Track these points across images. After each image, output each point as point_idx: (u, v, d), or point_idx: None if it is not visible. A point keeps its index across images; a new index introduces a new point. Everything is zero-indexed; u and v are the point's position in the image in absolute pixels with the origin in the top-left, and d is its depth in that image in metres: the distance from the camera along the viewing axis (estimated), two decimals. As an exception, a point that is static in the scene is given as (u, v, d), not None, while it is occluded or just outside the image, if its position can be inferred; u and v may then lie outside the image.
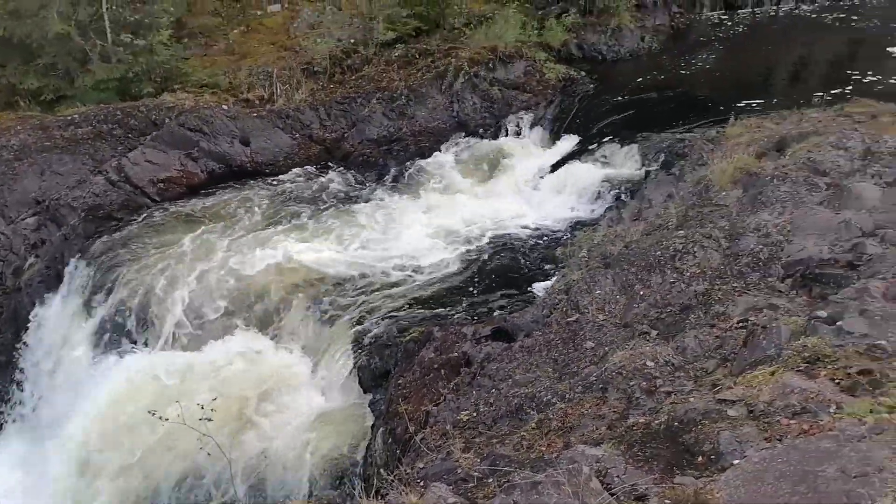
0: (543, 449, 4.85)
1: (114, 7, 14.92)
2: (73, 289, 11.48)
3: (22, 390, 11.26)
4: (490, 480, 4.37)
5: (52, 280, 11.89)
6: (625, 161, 12.62)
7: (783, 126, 10.80)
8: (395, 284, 10.47)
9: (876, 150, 8.69)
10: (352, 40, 17.40)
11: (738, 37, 20.64)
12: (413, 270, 10.85)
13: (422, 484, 4.56)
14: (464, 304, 9.71)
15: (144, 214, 12.79)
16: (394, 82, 16.11)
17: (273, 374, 9.47)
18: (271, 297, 10.44)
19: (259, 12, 19.51)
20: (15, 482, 10.05)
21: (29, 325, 11.57)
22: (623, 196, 11.65)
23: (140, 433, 8.92)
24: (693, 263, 7.32)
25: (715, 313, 6.26)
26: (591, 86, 16.72)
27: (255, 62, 17.00)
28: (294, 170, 14.54)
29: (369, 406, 8.61)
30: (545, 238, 11.60)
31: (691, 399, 4.72)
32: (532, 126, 15.46)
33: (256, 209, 12.81)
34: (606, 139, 13.45)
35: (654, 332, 6.39)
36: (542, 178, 13.44)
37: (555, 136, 14.79)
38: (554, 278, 9.58)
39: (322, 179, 14.17)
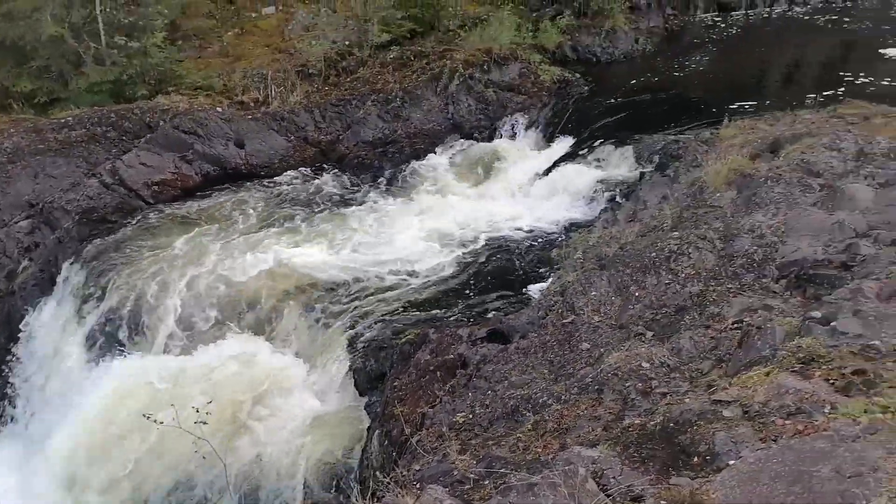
0: (539, 450, 4.85)
1: (107, 9, 14.88)
2: (66, 292, 11.42)
3: (14, 399, 11.19)
4: (486, 482, 4.37)
5: (46, 283, 11.84)
6: (619, 163, 12.64)
7: (777, 127, 10.84)
8: (390, 288, 10.45)
9: (869, 151, 8.73)
10: (346, 42, 17.41)
11: (731, 38, 20.73)
12: (408, 273, 10.82)
13: (418, 486, 4.56)
14: (459, 307, 9.70)
15: (139, 217, 12.74)
16: (389, 84, 16.11)
17: (267, 378, 9.40)
18: (265, 301, 10.39)
19: (253, 14, 19.48)
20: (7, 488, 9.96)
21: (22, 330, 11.51)
22: (618, 198, 11.66)
23: (131, 442, 8.83)
24: (688, 265, 7.34)
25: (710, 314, 6.28)
26: (586, 88, 16.76)
27: (250, 64, 16.97)
28: (289, 172, 14.53)
29: (365, 408, 8.59)
30: (540, 240, 11.61)
31: (687, 400, 4.72)
32: (527, 128, 15.48)
33: (251, 212, 12.78)
34: (601, 141, 13.48)
35: (649, 334, 6.40)
36: (537, 180, 13.45)
37: (550, 138, 14.81)
38: (549, 280, 9.59)
39: (317, 182, 14.15)
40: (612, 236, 9.50)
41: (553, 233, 11.79)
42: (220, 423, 8.64)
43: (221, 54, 17.62)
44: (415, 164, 14.77)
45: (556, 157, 13.89)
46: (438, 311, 9.63)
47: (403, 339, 8.56)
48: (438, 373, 7.36)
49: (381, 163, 14.96)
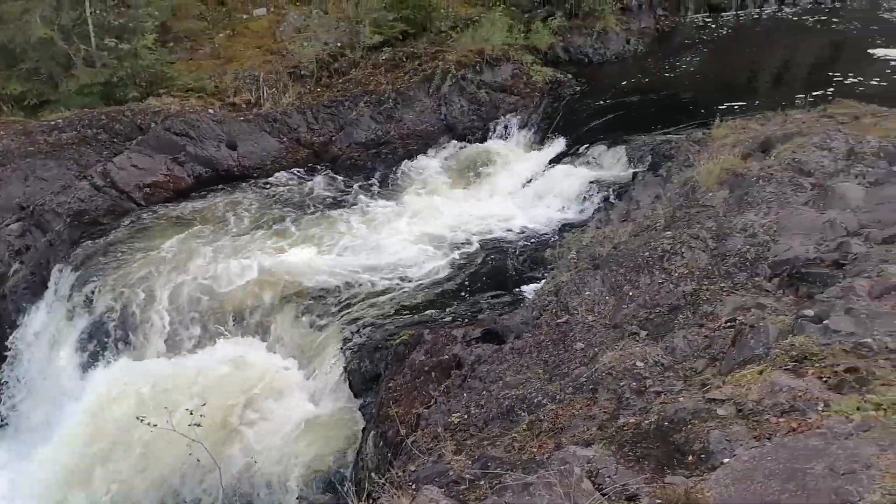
0: (535, 450, 4.85)
1: (97, 11, 14.80)
2: (58, 295, 11.35)
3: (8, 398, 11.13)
4: (482, 482, 4.37)
5: (38, 286, 11.75)
6: (612, 163, 12.69)
7: (768, 127, 10.90)
8: (384, 289, 10.42)
9: (859, 150, 8.79)
10: (338, 44, 17.38)
11: (722, 39, 20.84)
12: (400, 275, 10.80)
13: (413, 487, 4.55)
14: (453, 308, 9.69)
15: (131, 219, 12.67)
16: (381, 85, 16.10)
17: (261, 380, 9.36)
18: (259, 303, 10.35)
19: (245, 16, 19.42)
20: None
21: (15, 331, 11.44)
22: (611, 198, 11.71)
23: (120, 451, 8.74)
24: (681, 264, 7.36)
25: (703, 313, 6.29)
26: (578, 88, 16.82)
27: (242, 66, 16.92)
28: (282, 173, 14.48)
29: (360, 410, 8.57)
30: (534, 240, 11.63)
31: (681, 399, 4.74)
32: (519, 128, 15.50)
33: (244, 213, 12.73)
34: (594, 141, 13.52)
35: (643, 333, 6.41)
36: (529, 180, 13.47)
37: (542, 139, 14.84)
38: (543, 280, 9.60)
39: (310, 183, 14.12)
40: (606, 236, 9.52)
41: (546, 233, 11.81)
42: (214, 426, 8.53)
43: (213, 56, 17.55)
44: (408, 164, 14.77)
45: (548, 158, 13.92)
46: (433, 311, 9.62)
47: (398, 340, 8.55)
48: (433, 373, 7.36)
49: (374, 164, 14.95)
